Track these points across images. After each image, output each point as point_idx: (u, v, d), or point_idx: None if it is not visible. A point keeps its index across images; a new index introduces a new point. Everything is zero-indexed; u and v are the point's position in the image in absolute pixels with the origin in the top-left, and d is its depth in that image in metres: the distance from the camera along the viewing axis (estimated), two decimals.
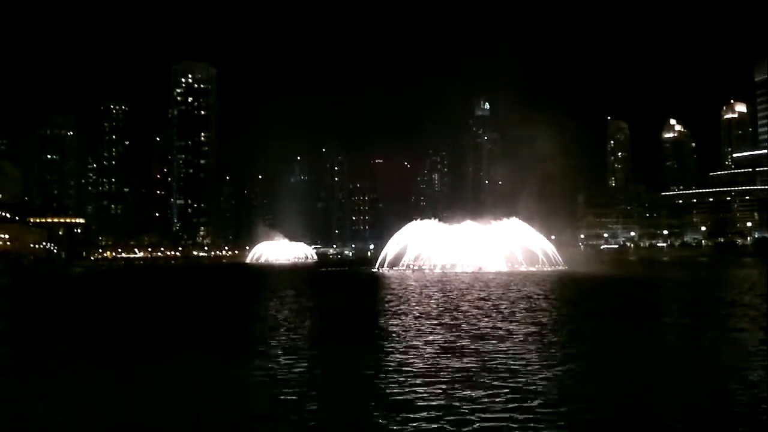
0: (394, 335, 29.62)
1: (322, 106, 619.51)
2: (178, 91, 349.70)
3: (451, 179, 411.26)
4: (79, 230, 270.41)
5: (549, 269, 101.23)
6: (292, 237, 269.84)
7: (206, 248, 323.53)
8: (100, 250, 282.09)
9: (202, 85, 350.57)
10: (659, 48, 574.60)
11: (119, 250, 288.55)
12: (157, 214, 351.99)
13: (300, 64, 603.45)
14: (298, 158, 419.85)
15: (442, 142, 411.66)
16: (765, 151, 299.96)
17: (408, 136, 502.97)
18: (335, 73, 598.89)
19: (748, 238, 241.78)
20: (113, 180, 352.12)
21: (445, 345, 26.35)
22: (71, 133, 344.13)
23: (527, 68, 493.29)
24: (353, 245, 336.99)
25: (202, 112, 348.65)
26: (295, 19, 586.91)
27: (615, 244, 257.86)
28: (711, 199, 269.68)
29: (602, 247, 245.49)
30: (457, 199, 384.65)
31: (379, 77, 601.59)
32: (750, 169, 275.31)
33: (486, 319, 35.04)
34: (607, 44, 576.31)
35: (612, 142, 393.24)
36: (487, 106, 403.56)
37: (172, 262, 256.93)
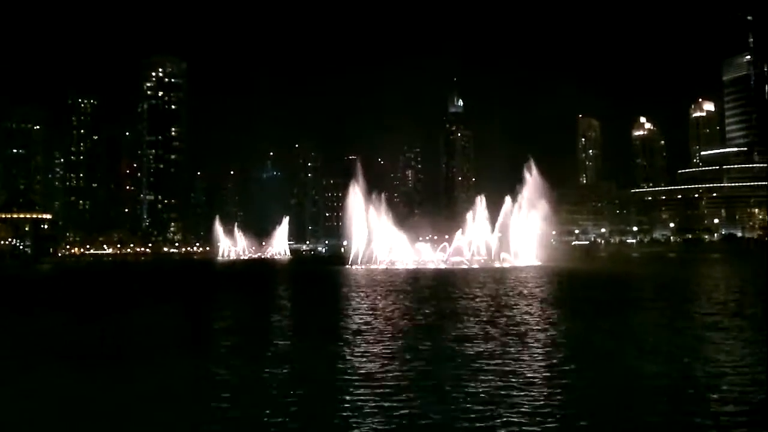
0: None
1: (295, 102, 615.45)
2: (148, 85, 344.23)
3: (425, 176, 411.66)
4: (45, 226, 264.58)
5: (522, 264, 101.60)
6: (265, 234, 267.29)
7: (177, 244, 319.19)
8: (68, 247, 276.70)
9: (172, 79, 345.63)
10: (629, 47, 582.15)
11: (87, 246, 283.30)
12: (126, 210, 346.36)
13: (273, 60, 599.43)
14: (271, 154, 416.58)
15: (416, 139, 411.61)
16: (732, 149, 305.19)
17: (382, 133, 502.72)
18: (308, 68, 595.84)
19: (715, 235, 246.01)
20: (81, 175, 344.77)
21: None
22: (38, 126, 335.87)
23: (500, 66, 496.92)
24: (326, 242, 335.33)
25: (173, 107, 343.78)
26: (268, 13, 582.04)
27: (586, 241, 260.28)
28: (679, 197, 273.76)
29: (573, 243, 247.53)
30: (430, 196, 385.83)
31: (353, 73, 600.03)
32: (717, 167, 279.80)
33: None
34: (578, 43, 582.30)
35: (583, 139, 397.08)
36: (461, 103, 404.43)
37: (142, 258, 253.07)
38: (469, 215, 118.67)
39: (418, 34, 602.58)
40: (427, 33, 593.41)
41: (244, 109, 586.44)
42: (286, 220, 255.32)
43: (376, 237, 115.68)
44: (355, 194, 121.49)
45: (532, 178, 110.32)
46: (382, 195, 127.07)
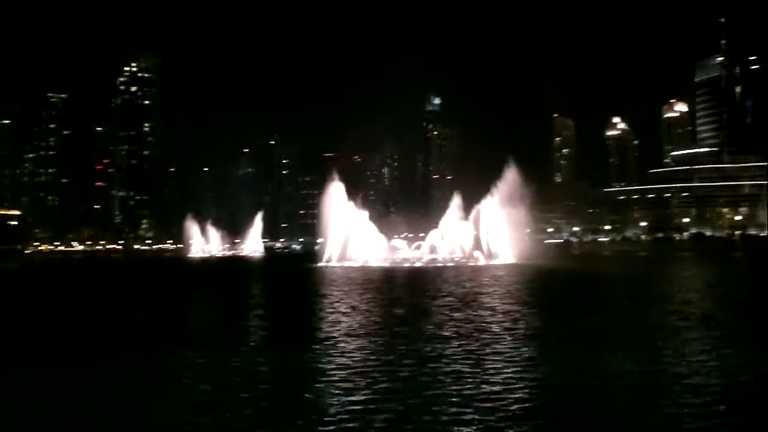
0: None
1: (270, 98, 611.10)
2: (121, 80, 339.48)
3: (401, 174, 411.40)
4: (14, 222, 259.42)
5: (497, 263, 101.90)
6: (239, 231, 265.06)
7: (149, 241, 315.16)
8: (36, 244, 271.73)
9: (145, 74, 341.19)
10: (604, 48, 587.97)
11: (56, 243, 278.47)
12: (97, 206, 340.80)
13: (247, 55, 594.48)
14: (246, 150, 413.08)
15: (393, 137, 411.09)
16: (703, 149, 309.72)
17: (359, 130, 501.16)
18: (284, 64, 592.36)
19: (685, 234, 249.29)
20: (50, 171, 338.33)
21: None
22: (7, 120, 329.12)
23: (476, 65, 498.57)
24: (301, 239, 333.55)
25: (146, 102, 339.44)
26: (243, 9, 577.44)
27: (559, 239, 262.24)
28: (651, 196, 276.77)
29: (546, 241, 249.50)
30: (406, 194, 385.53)
31: (329, 70, 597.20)
32: (688, 167, 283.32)
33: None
34: (553, 45, 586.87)
35: (558, 138, 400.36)
36: (438, 101, 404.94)
37: (113, 255, 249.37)
38: (444, 214, 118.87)
39: (395, 32, 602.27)
40: (404, 31, 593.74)
41: (218, 106, 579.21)
42: (259, 218, 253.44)
43: (351, 235, 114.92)
44: (331, 192, 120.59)
45: (509, 180, 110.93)
46: (359, 193, 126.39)
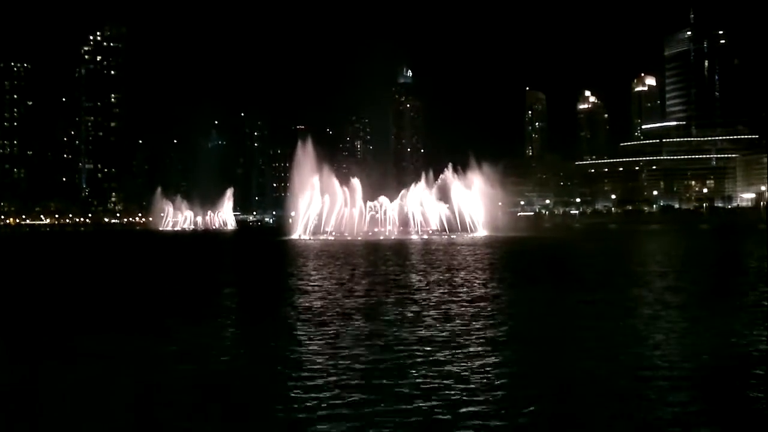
0: None
1: (240, 70, 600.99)
2: (86, 48, 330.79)
3: (373, 146, 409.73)
4: None
5: (471, 235, 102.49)
6: (210, 204, 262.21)
7: (118, 215, 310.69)
8: (2, 217, 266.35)
9: (111, 44, 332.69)
10: (575, 22, 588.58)
11: (23, 216, 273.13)
12: (64, 179, 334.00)
13: (217, 26, 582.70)
14: (216, 122, 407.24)
15: (364, 110, 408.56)
16: (672, 123, 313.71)
17: (330, 102, 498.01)
18: (254, 35, 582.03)
19: (654, 206, 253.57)
20: (15, 142, 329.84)
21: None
22: None
23: (449, 39, 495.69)
24: (274, 212, 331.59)
25: (112, 72, 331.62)
26: None
27: (531, 212, 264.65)
28: (621, 169, 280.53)
29: (518, 213, 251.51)
30: (379, 167, 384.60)
31: (300, 41, 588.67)
32: (657, 140, 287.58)
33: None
34: (524, 18, 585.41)
35: (530, 112, 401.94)
36: (410, 73, 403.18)
37: (82, 229, 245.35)
38: (416, 186, 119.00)
39: (368, 4, 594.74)
40: (377, 3, 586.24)
41: (187, 76, 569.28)
42: (230, 191, 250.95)
43: (323, 207, 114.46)
44: (302, 164, 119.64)
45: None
46: (330, 165, 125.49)
